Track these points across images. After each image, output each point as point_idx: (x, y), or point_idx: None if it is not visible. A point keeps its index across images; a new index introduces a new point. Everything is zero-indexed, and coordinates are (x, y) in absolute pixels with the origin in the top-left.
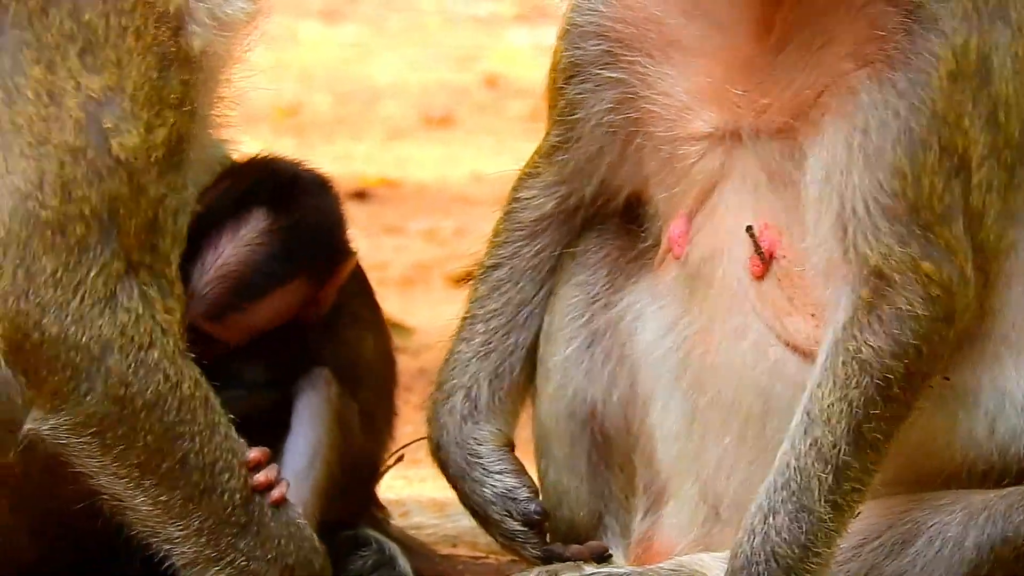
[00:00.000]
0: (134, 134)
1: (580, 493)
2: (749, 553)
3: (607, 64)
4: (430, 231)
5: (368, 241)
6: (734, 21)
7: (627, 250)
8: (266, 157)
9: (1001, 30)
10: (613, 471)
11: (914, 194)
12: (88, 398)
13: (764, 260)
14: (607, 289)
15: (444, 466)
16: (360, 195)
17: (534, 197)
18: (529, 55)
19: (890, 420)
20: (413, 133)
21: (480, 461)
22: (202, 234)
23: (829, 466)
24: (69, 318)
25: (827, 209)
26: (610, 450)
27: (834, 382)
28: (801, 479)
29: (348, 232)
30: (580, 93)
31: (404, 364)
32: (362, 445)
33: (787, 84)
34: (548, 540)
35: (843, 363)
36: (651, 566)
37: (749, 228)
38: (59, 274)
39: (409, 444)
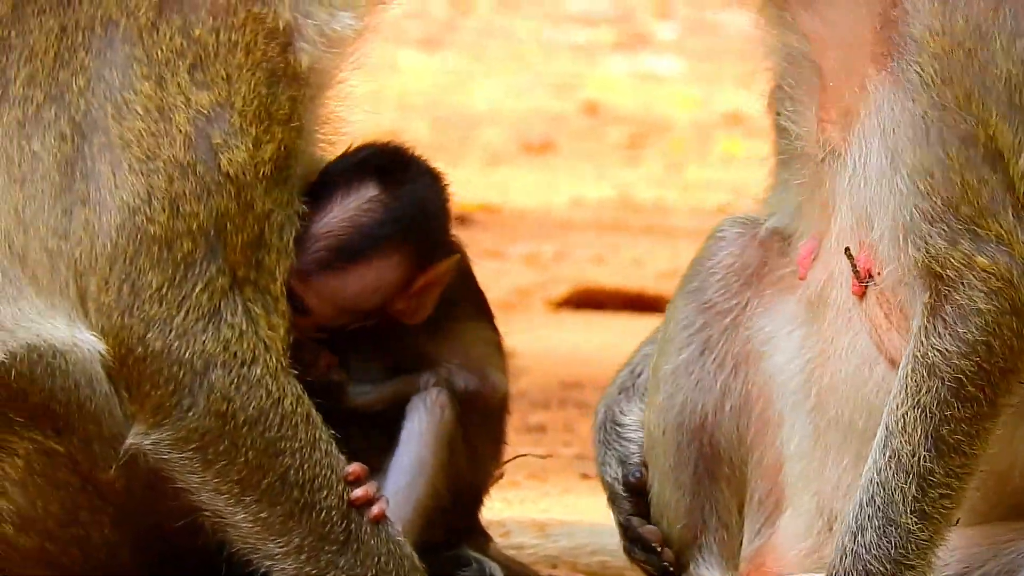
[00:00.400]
0: (242, 149)
1: (680, 507)
2: (842, 571)
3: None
4: (530, 256)
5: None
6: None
7: (740, 257)
8: (383, 141)
9: (988, 3)
10: (718, 485)
11: (947, 191)
12: (190, 413)
13: (860, 280)
14: (721, 296)
15: (594, 428)
16: (460, 220)
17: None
18: (627, 83)
19: (971, 420)
20: (512, 159)
21: (618, 428)
22: (313, 199)
23: (910, 476)
24: (173, 333)
25: (880, 222)
26: (718, 463)
27: (906, 391)
28: (884, 492)
29: (452, 233)
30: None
31: None
32: (468, 467)
33: (836, 98)
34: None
35: (912, 370)
36: None
37: (847, 249)
38: (164, 289)
39: (511, 460)
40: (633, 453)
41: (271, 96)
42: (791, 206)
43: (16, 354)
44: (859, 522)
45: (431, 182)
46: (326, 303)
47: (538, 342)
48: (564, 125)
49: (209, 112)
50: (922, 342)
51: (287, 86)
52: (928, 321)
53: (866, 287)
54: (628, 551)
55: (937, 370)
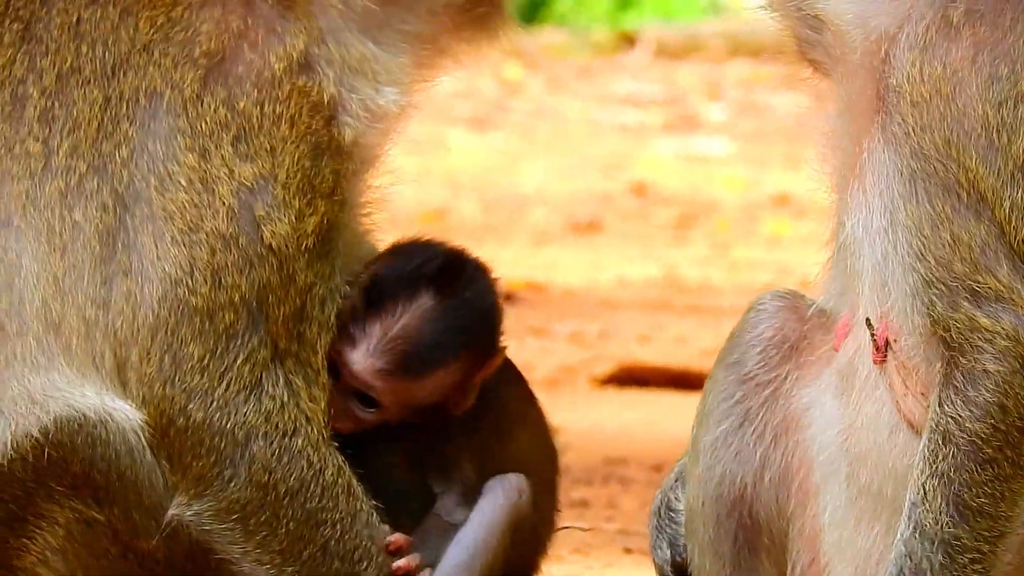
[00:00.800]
0: (285, 222)
1: None
2: None
3: None
4: (575, 334)
5: (514, 343)
6: None
7: (780, 330)
8: (431, 239)
9: (953, 41)
10: (758, 556)
11: (938, 249)
12: (232, 484)
13: (879, 348)
14: (760, 368)
15: (651, 514)
16: (507, 298)
17: None
18: (676, 164)
19: (993, 482)
20: (559, 239)
21: (671, 514)
22: (370, 303)
23: (935, 544)
24: (214, 404)
25: (891, 288)
26: (758, 534)
27: (925, 460)
28: (911, 563)
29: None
30: None
31: None
32: (525, 547)
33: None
34: None
35: (929, 439)
36: None
37: (867, 320)
38: (206, 360)
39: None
40: (683, 535)
41: (315, 169)
42: (839, 284)
43: (50, 427)
44: None
45: (484, 278)
46: (398, 402)
47: (582, 419)
48: (611, 205)
49: (252, 184)
50: (936, 411)
51: (331, 159)
52: (942, 389)
53: (885, 356)
54: None
55: (952, 436)
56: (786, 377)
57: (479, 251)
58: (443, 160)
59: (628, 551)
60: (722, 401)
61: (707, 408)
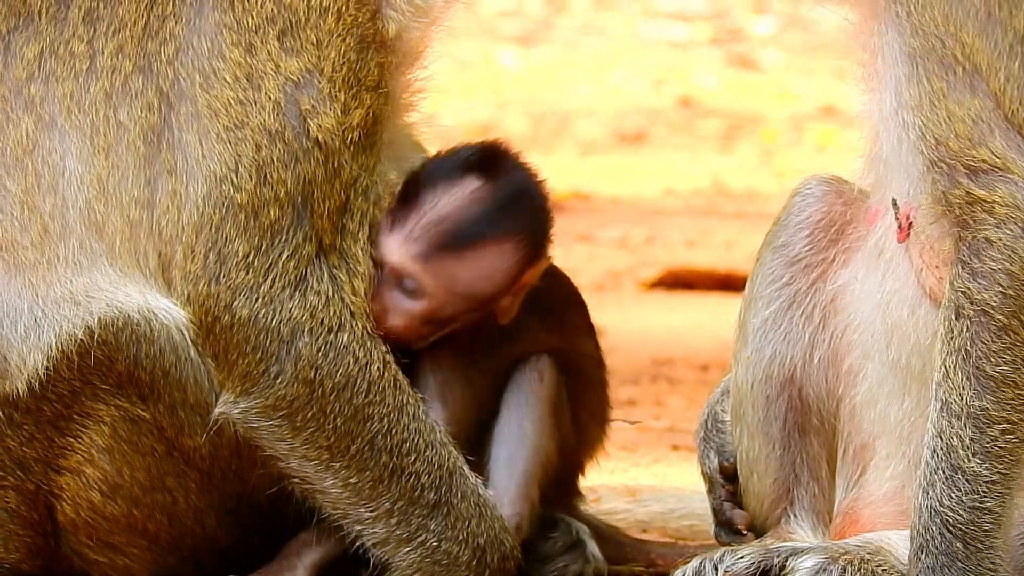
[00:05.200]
0: (331, 115)
1: (771, 461)
2: (923, 531)
3: None
4: (622, 239)
5: (561, 249)
6: None
7: (828, 213)
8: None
9: None
10: (807, 438)
11: (936, 127)
12: (278, 381)
13: (901, 227)
14: (808, 250)
15: (697, 429)
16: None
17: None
18: (722, 77)
19: (1012, 349)
20: (606, 150)
21: (719, 424)
22: (408, 197)
23: (962, 419)
24: (259, 301)
25: (906, 168)
26: (807, 415)
27: (943, 339)
28: (943, 442)
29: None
30: None
31: None
32: (572, 432)
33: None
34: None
35: (944, 317)
36: (837, 541)
37: (893, 199)
38: (251, 257)
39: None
40: (730, 443)
41: (360, 62)
42: (870, 170)
43: (94, 327)
44: (928, 477)
45: (530, 173)
46: (441, 287)
47: (629, 321)
48: (658, 118)
49: (299, 78)
50: (949, 288)
51: (376, 52)
52: (952, 266)
53: (908, 235)
54: (716, 535)
55: (964, 310)
56: (833, 260)
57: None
58: (490, 78)
59: (675, 448)
60: (770, 283)
61: (755, 291)
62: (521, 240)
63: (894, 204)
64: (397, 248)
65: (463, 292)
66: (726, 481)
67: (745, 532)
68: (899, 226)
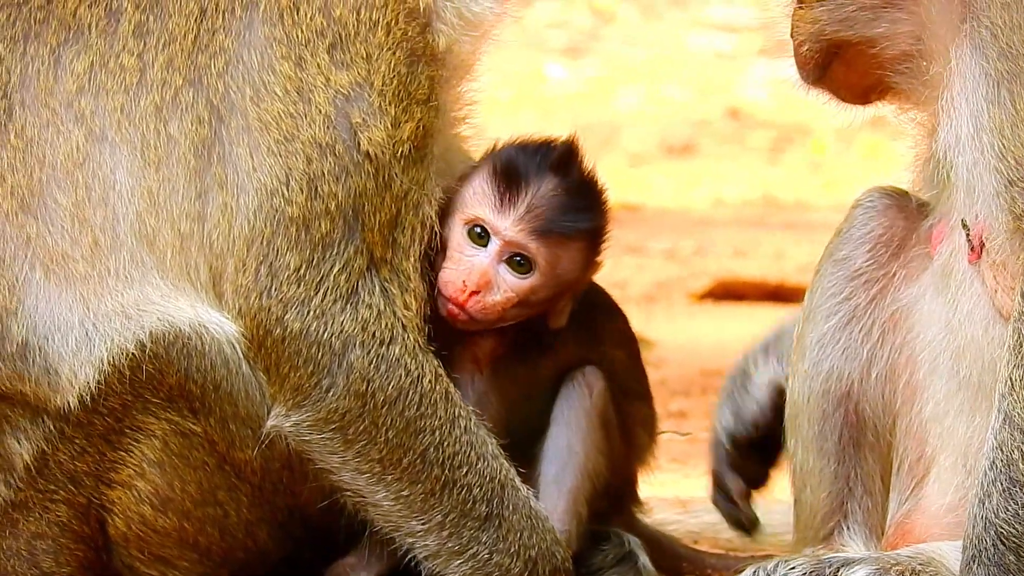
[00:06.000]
0: (382, 129)
1: (825, 474)
2: (976, 541)
3: None
4: (671, 250)
5: (610, 261)
6: None
7: (890, 228)
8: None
9: None
10: (862, 452)
11: (1017, 149)
12: (330, 394)
13: (973, 248)
14: (870, 265)
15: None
16: None
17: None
18: (771, 88)
19: None
20: (654, 162)
21: (745, 380)
22: (515, 173)
23: None
24: (311, 314)
25: (979, 189)
26: (863, 431)
27: (1010, 351)
28: (1003, 455)
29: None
30: None
31: None
32: (621, 446)
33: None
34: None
35: (1014, 331)
36: (889, 552)
37: (963, 221)
38: (302, 270)
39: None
40: (750, 409)
41: (410, 75)
42: (931, 193)
43: (145, 341)
44: (985, 488)
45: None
46: (550, 263)
47: (679, 333)
48: (706, 129)
49: (349, 92)
50: (1020, 302)
51: (426, 66)
52: (1023, 280)
53: (980, 256)
54: (714, 500)
55: None
56: (894, 275)
57: None
58: (537, 90)
59: None
60: (830, 297)
61: (814, 303)
62: (596, 237)
63: (964, 225)
64: (514, 225)
65: (561, 274)
66: (732, 446)
67: (739, 503)
68: (971, 247)
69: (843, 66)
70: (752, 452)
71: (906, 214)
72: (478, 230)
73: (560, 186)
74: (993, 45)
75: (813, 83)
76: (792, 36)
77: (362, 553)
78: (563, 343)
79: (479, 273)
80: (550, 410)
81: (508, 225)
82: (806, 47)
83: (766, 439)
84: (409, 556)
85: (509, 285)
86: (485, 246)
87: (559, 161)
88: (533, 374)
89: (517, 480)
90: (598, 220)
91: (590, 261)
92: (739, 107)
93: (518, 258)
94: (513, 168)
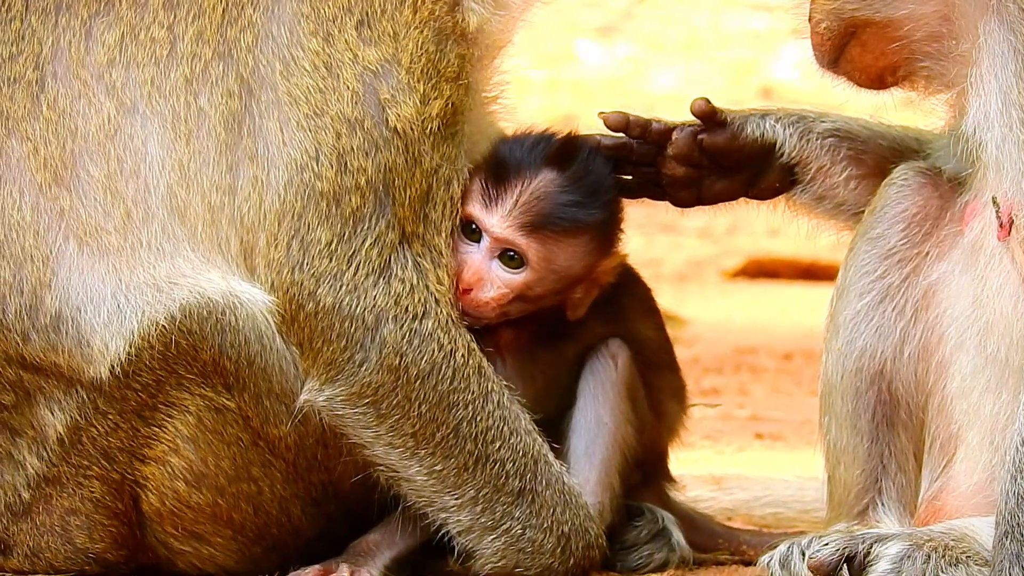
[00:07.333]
0: (410, 105)
1: (859, 452)
2: (1009, 517)
3: None
4: (704, 229)
5: (644, 239)
6: None
7: (924, 207)
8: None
9: None
10: (895, 431)
11: None
12: (363, 368)
13: (1003, 225)
14: (903, 244)
15: None
16: None
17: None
18: (804, 68)
19: None
20: None
21: None
22: (506, 167)
23: None
24: (343, 288)
25: (1008, 166)
26: (896, 408)
27: None
28: None
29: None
30: None
31: (678, 353)
32: (651, 418)
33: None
34: None
35: None
36: (921, 528)
37: (993, 198)
38: (334, 245)
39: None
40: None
41: (439, 53)
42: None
43: (177, 315)
44: (1017, 464)
45: (609, 172)
46: (543, 259)
47: (713, 311)
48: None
49: (376, 68)
50: None
51: (455, 44)
52: None
53: (1009, 232)
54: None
55: None
56: (927, 254)
57: None
58: (572, 70)
59: (759, 436)
60: (864, 275)
61: (848, 281)
62: (600, 230)
63: (994, 202)
64: (501, 221)
65: (558, 269)
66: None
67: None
68: (1000, 223)
69: (859, 47)
70: None
71: (940, 192)
72: (472, 227)
73: (556, 180)
74: (1021, 20)
75: (828, 66)
76: (810, 17)
77: (385, 530)
78: (587, 324)
79: (472, 270)
80: (576, 386)
81: (496, 221)
82: (823, 26)
83: None
84: (440, 533)
85: (502, 281)
86: (478, 242)
87: (555, 154)
88: (558, 358)
89: (550, 455)
90: (600, 213)
91: (598, 254)
92: (772, 87)
93: (510, 253)
94: (502, 163)
